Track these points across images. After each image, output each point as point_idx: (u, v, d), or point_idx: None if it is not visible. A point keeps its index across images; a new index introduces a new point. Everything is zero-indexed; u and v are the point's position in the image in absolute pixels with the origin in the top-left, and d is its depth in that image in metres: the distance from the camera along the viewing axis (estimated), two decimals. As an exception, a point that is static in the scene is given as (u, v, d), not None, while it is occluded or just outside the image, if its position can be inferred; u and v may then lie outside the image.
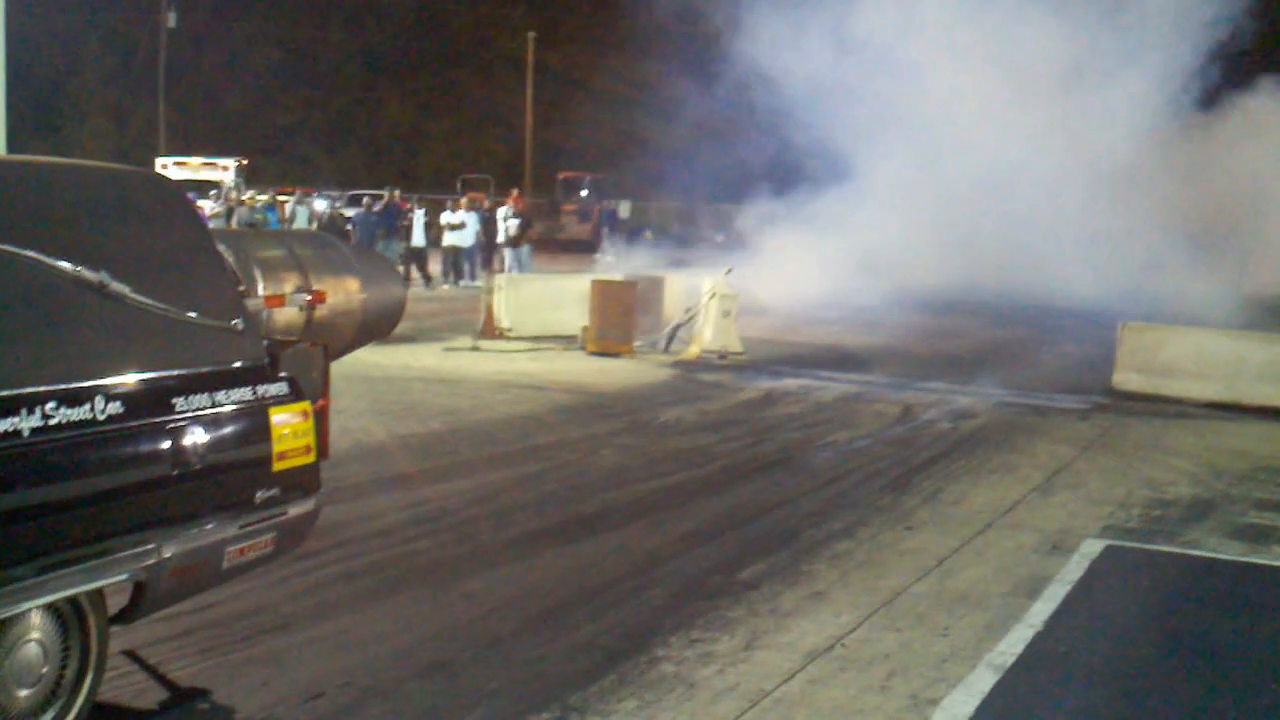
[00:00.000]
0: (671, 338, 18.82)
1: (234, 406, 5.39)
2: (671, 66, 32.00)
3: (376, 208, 29.20)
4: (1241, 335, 15.93)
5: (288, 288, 6.72)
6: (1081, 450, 12.45)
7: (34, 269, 4.77)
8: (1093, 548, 8.82)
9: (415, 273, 29.58)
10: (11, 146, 16.68)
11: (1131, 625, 7.36)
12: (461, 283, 29.40)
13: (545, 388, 14.98)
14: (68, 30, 54.74)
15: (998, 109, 29.81)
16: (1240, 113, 32.25)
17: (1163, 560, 8.76)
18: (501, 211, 30.40)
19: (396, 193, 30.80)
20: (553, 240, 44.71)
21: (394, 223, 29.15)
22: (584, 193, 49.12)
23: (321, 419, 5.93)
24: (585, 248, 43.55)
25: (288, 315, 6.71)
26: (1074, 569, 8.29)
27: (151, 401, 5.05)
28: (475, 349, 18.40)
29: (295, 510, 5.73)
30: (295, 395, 5.71)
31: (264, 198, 31.72)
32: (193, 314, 5.37)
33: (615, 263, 31.97)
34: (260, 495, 5.52)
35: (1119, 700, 6.29)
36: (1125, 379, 15.84)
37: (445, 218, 30.23)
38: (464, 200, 31.26)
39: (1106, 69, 31.12)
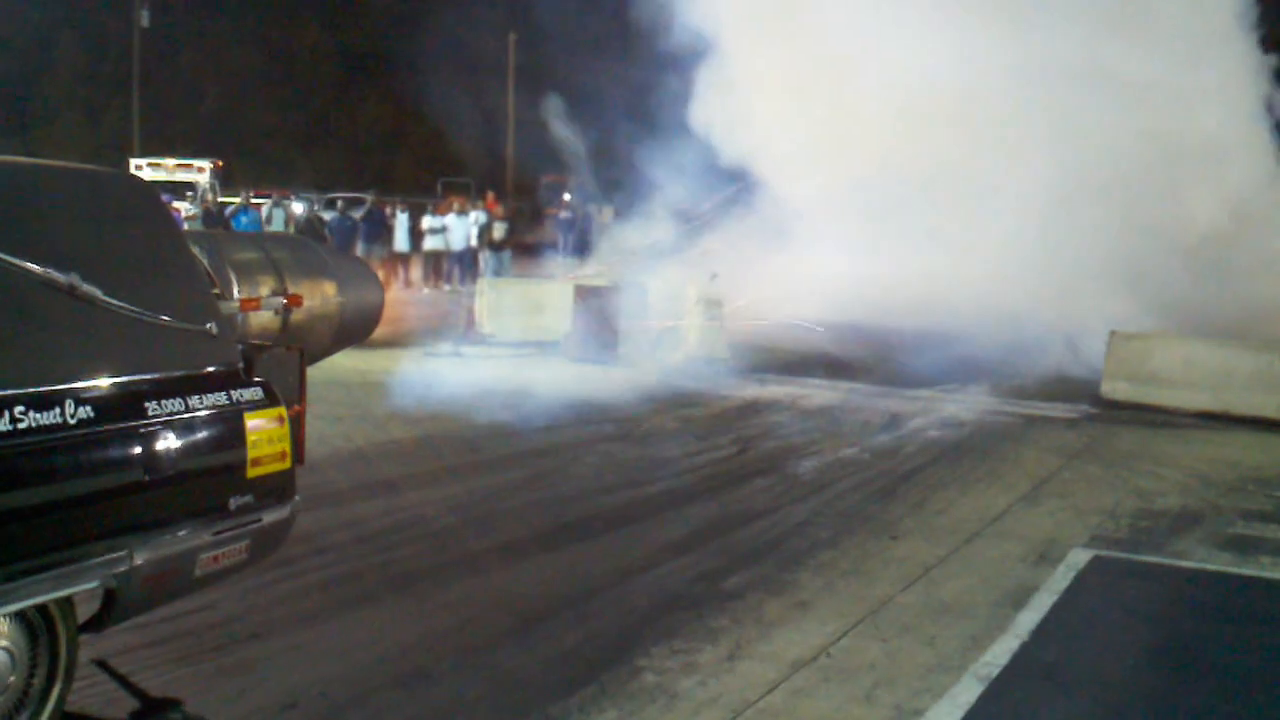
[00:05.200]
0: (656, 344, 18.71)
1: (208, 411, 5.32)
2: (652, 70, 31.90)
3: (359, 213, 29.08)
4: (1230, 344, 15.79)
5: (263, 291, 6.62)
6: (1069, 459, 12.38)
7: (2, 270, 4.69)
8: (1080, 558, 8.76)
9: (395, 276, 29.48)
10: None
11: (1118, 636, 7.30)
12: (447, 287, 29.30)
13: (527, 394, 14.87)
14: (39, 27, 54.33)
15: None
16: None
17: (1150, 571, 8.70)
18: (477, 215, 30.23)
19: (375, 196, 30.63)
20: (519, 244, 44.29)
21: (376, 227, 29.03)
22: (567, 196, 48.76)
23: (297, 424, 5.86)
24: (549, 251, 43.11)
25: (263, 319, 6.60)
26: (1061, 579, 8.23)
27: (123, 405, 4.99)
28: (457, 354, 18.30)
29: (270, 517, 5.67)
30: (270, 400, 5.65)
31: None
32: (166, 317, 5.31)
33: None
34: (234, 502, 5.46)
35: (1105, 712, 6.24)
36: (1114, 387, 15.77)
37: (427, 222, 30.11)
38: (455, 204, 31.12)
39: None
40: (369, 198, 29.85)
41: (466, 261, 29.81)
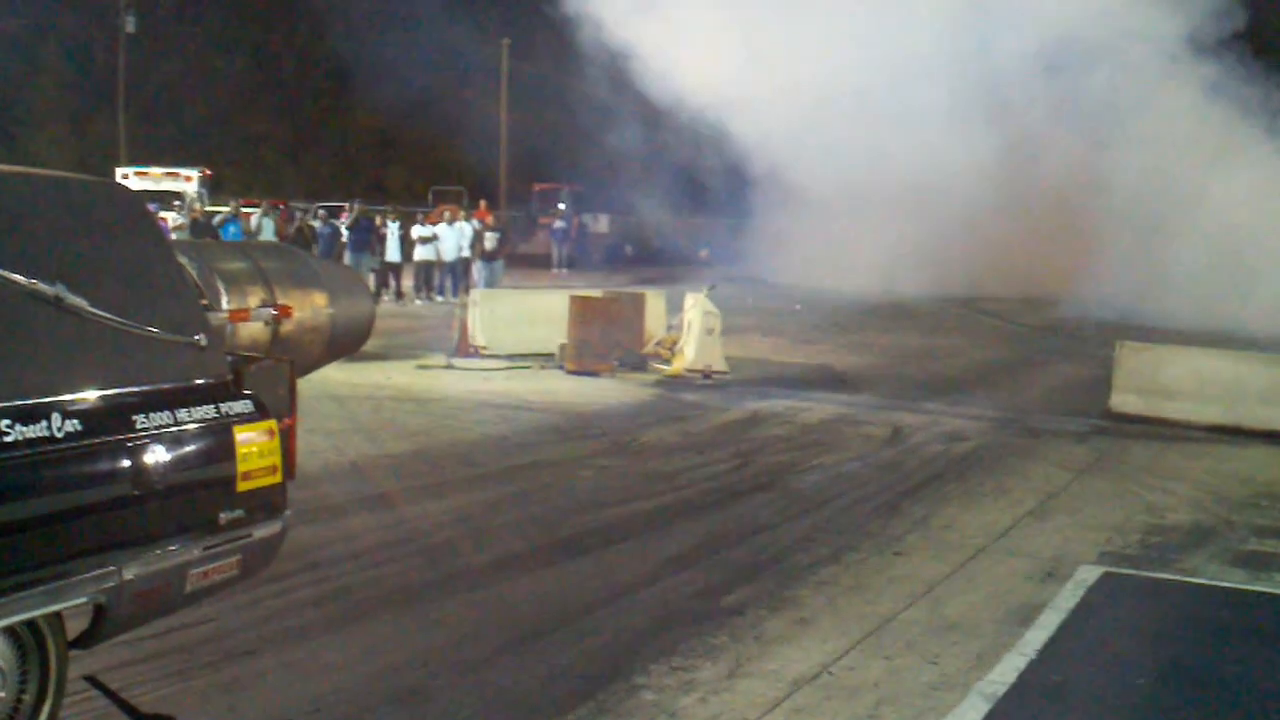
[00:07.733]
0: (654, 355, 18.63)
1: (197, 425, 5.27)
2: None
3: (345, 221, 28.92)
4: (1242, 357, 15.63)
5: (253, 301, 6.53)
6: (1077, 474, 12.25)
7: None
8: (1088, 574, 8.65)
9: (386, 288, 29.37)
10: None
11: (1127, 654, 7.22)
12: (438, 298, 29.18)
13: (522, 407, 14.80)
14: (23, 35, 54.05)
15: None
16: None
17: (1160, 587, 8.61)
18: (461, 226, 30.08)
19: (360, 205, 30.48)
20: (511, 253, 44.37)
21: (364, 236, 28.88)
22: (561, 205, 48.68)
23: (288, 438, 5.81)
24: (542, 261, 43.07)
25: (253, 330, 6.53)
26: (1068, 596, 8.13)
27: (111, 419, 4.93)
28: (450, 367, 18.19)
29: (261, 532, 5.61)
30: (260, 413, 5.59)
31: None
32: (154, 329, 5.25)
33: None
34: (225, 516, 5.40)
35: (1115, 732, 6.17)
36: (1123, 401, 15.54)
37: (416, 231, 29.97)
38: (445, 213, 30.98)
39: None
40: (355, 206, 29.56)
41: (459, 272, 29.72)
